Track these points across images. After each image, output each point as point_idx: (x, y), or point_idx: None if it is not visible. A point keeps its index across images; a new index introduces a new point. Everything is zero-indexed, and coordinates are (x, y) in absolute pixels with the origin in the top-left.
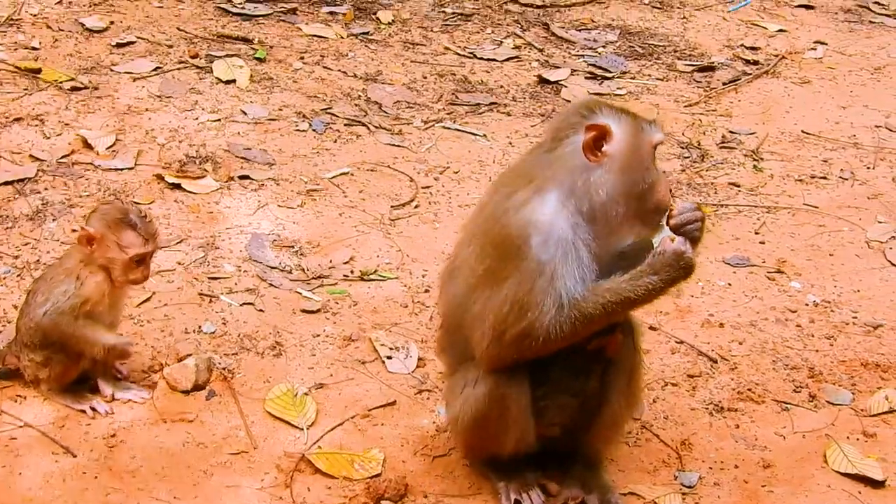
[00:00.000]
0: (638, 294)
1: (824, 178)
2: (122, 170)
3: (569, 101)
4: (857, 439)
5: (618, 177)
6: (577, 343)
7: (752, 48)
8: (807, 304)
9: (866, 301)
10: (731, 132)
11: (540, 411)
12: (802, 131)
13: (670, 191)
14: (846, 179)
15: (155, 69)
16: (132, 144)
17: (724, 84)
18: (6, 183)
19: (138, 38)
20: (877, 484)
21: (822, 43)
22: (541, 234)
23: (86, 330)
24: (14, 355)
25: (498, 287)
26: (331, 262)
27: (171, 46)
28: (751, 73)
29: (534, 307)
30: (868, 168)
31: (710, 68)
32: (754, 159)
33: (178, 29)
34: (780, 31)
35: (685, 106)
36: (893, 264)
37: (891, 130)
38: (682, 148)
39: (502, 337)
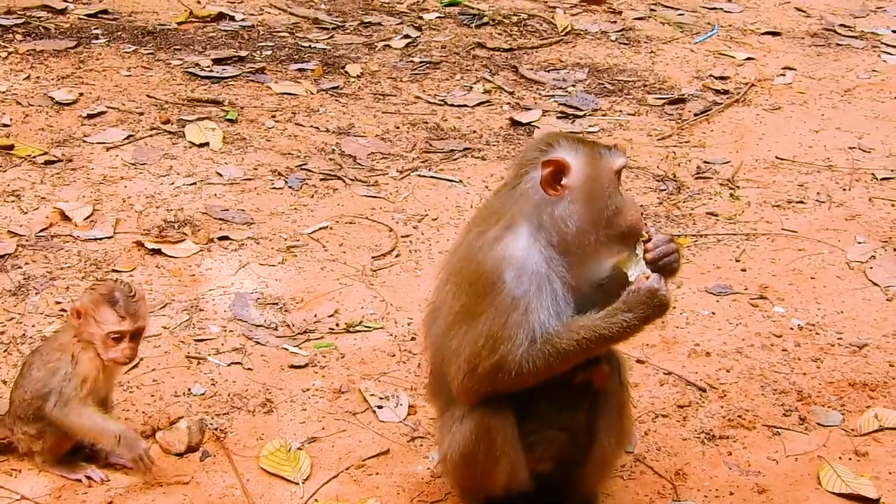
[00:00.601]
0: (612, 331)
1: (801, 202)
2: (101, 239)
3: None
4: (850, 459)
5: (582, 207)
6: (559, 376)
7: (722, 78)
8: (791, 328)
9: (850, 321)
10: (705, 162)
11: (529, 446)
12: (777, 157)
13: (641, 214)
14: (823, 202)
15: (127, 137)
16: (110, 213)
17: (695, 115)
18: None
19: (108, 107)
20: (871, 502)
21: (791, 68)
22: (514, 268)
23: (95, 419)
24: (7, 428)
25: (474, 322)
26: (315, 316)
27: (141, 114)
28: (721, 103)
29: (507, 340)
30: (844, 190)
31: (681, 100)
32: (730, 188)
33: (148, 96)
34: (748, 59)
35: (658, 139)
36: (875, 284)
37: (864, 151)
38: (658, 181)
39: (476, 370)
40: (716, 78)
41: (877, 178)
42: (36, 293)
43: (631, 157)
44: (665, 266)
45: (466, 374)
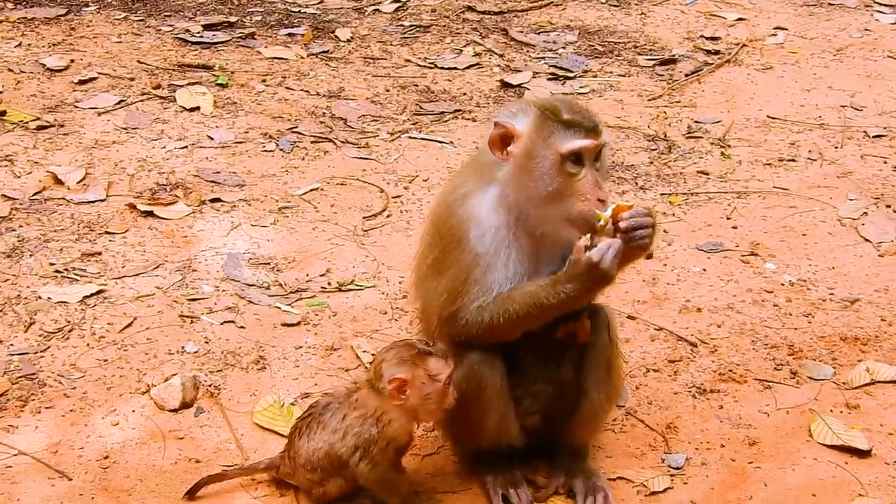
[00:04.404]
0: (552, 301)
1: (793, 160)
2: (94, 202)
3: (533, 98)
4: (841, 412)
5: (521, 179)
6: (541, 330)
7: (713, 38)
8: (783, 284)
9: (842, 277)
10: (696, 122)
11: (516, 399)
12: (768, 116)
13: (599, 202)
14: (814, 160)
15: (118, 102)
16: (102, 177)
17: (686, 76)
18: None
19: (100, 73)
20: (863, 454)
21: (783, 28)
22: (478, 227)
23: (391, 482)
24: (288, 467)
25: (441, 276)
26: (307, 275)
27: (132, 79)
28: (712, 63)
29: (463, 294)
30: (836, 148)
31: (672, 61)
32: (721, 147)
33: (139, 62)
34: (740, 19)
35: (649, 100)
36: (867, 240)
37: (856, 109)
38: (649, 140)
39: (441, 319)
40: (707, 38)
41: (869, 136)
42: (30, 255)
43: (621, 118)
44: (634, 239)
45: (437, 323)
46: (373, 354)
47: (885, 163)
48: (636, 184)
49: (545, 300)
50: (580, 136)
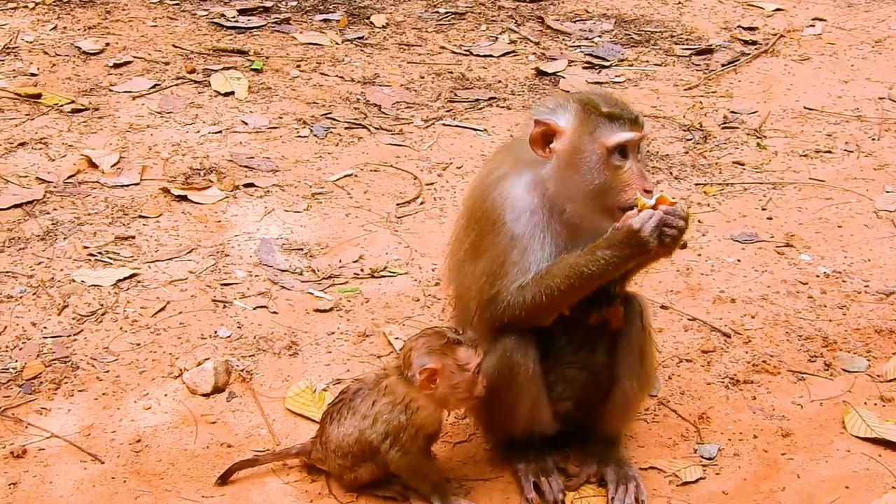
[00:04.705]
0: (592, 269)
1: (829, 151)
2: (128, 186)
3: (567, 92)
4: (875, 404)
5: (565, 174)
6: (574, 316)
7: (750, 28)
8: (817, 276)
9: (877, 269)
10: (732, 112)
11: (549, 385)
12: (805, 107)
13: (649, 188)
14: (851, 152)
15: (153, 86)
16: (136, 161)
17: (723, 66)
18: (16, 206)
19: (135, 57)
20: None
21: (821, 19)
22: (514, 209)
23: (421, 468)
24: (319, 453)
25: (479, 259)
26: (340, 261)
27: (167, 63)
28: (749, 54)
29: (503, 276)
30: (873, 140)
31: (709, 51)
32: (757, 137)
33: (174, 46)
34: (778, 10)
35: (685, 89)
36: None
37: (894, 101)
38: (684, 130)
39: (481, 303)
40: (744, 28)
41: None
42: (64, 238)
43: (657, 108)
44: (663, 235)
45: (477, 307)
46: (404, 341)
47: None
48: (671, 174)
49: (584, 268)
50: (625, 128)
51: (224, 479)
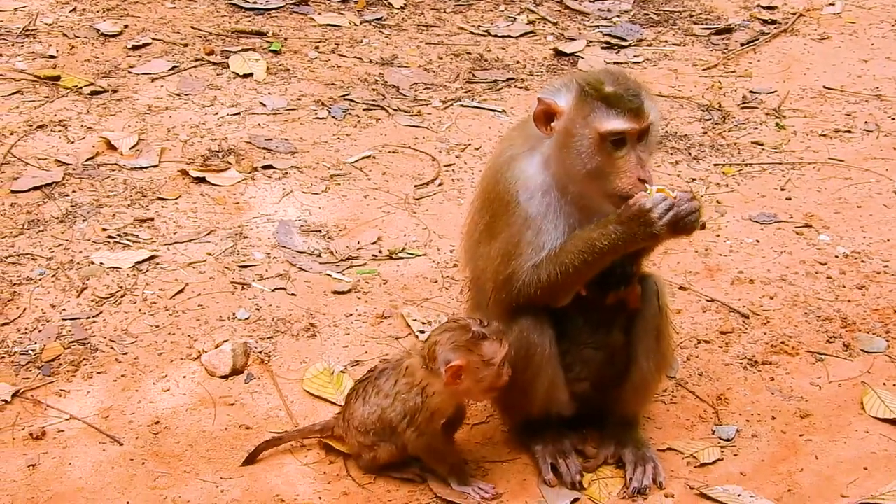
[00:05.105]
0: (603, 243)
1: (848, 131)
2: (146, 168)
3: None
4: (894, 385)
5: (562, 154)
6: (590, 296)
7: (769, 8)
8: (836, 256)
9: None
10: (751, 92)
11: (566, 366)
12: (824, 87)
13: (640, 181)
14: (871, 132)
15: (172, 68)
16: (155, 143)
17: (742, 45)
18: (35, 188)
19: (153, 39)
20: None
21: None
22: (527, 189)
23: (438, 449)
24: (342, 429)
25: (494, 240)
26: (358, 243)
27: (186, 45)
28: (769, 33)
29: (518, 256)
30: (893, 119)
31: (728, 30)
32: (776, 117)
33: (193, 28)
34: None
35: (704, 69)
36: None
37: None
38: (703, 110)
39: (497, 283)
40: (763, 8)
41: None
42: (83, 220)
43: (675, 88)
44: (679, 223)
45: (493, 289)
46: (423, 322)
47: None
48: (690, 154)
49: (597, 242)
50: (621, 117)
51: (251, 460)
